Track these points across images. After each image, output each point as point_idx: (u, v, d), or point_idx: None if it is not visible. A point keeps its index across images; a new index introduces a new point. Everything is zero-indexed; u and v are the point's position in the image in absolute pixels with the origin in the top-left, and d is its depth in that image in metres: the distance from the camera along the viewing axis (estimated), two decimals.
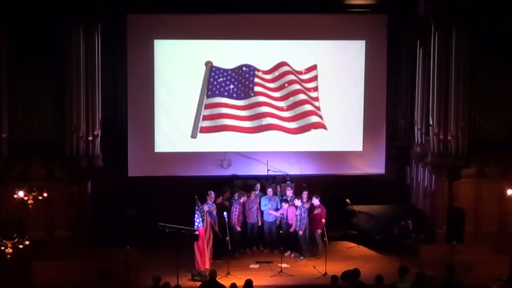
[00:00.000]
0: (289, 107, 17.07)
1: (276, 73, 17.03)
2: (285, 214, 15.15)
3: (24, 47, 14.68)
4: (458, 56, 14.99)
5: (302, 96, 17.07)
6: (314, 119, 17.07)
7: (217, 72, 16.85)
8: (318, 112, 17.05)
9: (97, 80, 15.22)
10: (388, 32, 16.99)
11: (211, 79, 16.84)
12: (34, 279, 13.03)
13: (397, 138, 17.61)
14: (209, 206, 14.60)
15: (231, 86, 16.92)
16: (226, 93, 16.92)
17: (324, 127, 17.09)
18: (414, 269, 11.63)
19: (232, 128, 16.98)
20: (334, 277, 11.50)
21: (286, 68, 17.00)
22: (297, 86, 17.04)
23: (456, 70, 15.03)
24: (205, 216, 13.95)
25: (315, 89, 17.07)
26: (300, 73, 17.01)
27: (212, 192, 14.81)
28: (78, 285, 12.91)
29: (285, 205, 15.11)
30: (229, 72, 16.89)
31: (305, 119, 17.08)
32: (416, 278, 10.95)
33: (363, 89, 17.09)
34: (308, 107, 17.05)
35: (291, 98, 17.06)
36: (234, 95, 16.95)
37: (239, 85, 16.95)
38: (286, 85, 17.02)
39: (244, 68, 16.93)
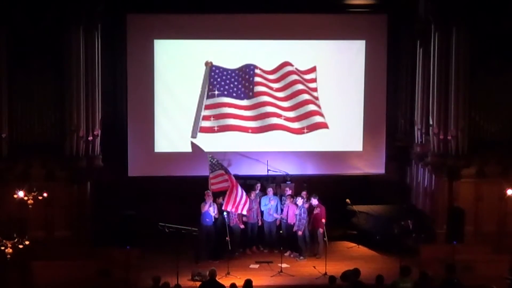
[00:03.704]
0: (293, 107, 17.07)
1: (279, 73, 17.03)
2: (285, 214, 15.13)
3: (24, 47, 14.68)
4: (458, 56, 14.99)
5: (306, 96, 17.07)
6: (317, 119, 17.07)
7: (218, 72, 16.86)
8: (320, 111, 17.07)
9: (97, 80, 15.23)
10: (388, 32, 17.00)
11: (212, 79, 16.84)
12: (34, 279, 13.02)
13: (397, 138, 17.60)
14: (207, 205, 14.60)
15: (232, 86, 16.93)
16: (226, 93, 16.93)
17: (326, 126, 17.09)
18: (414, 269, 11.63)
19: (233, 128, 17.00)
20: (331, 278, 11.50)
21: (289, 68, 17.01)
22: (300, 86, 17.06)
23: (456, 70, 15.04)
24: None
25: (315, 89, 17.09)
26: (304, 72, 17.03)
27: (210, 191, 14.80)
28: (78, 285, 12.88)
29: (288, 201, 15.08)
30: (230, 72, 16.90)
31: (309, 119, 17.09)
32: (419, 277, 10.97)
33: (363, 89, 17.10)
34: (312, 107, 17.07)
35: (294, 98, 17.08)
36: (234, 94, 16.96)
37: (240, 85, 16.95)
38: (289, 85, 17.04)
39: (245, 68, 16.94)
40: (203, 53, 16.77)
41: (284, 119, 17.05)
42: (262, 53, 16.96)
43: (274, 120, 17.07)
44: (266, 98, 17.05)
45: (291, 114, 17.08)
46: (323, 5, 16.80)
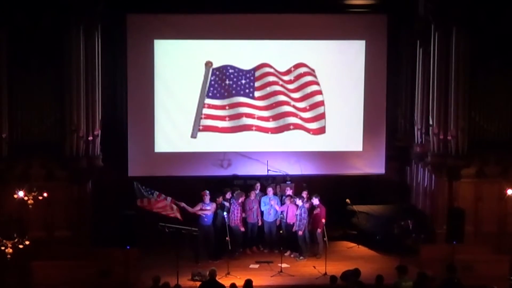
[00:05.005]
0: (307, 109, 17.14)
1: (292, 74, 17.02)
2: (284, 213, 15.14)
3: (24, 47, 14.66)
4: (458, 56, 14.98)
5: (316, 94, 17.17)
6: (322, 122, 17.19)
7: (218, 71, 16.86)
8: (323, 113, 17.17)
9: (97, 80, 15.21)
10: (388, 32, 17.00)
11: (212, 79, 16.84)
12: (34, 279, 13.03)
13: (397, 138, 17.61)
14: (205, 206, 14.60)
15: (232, 86, 16.94)
16: (226, 93, 16.94)
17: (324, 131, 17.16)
18: (414, 269, 11.63)
19: (233, 128, 16.99)
20: (332, 277, 11.51)
21: (304, 69, 16.99)
22: (315, 87, 17.11)
23: (456, 70, 15.03)
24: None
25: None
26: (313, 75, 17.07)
27: (207, 192, 14.79)
28: (78, 285, 12.91)
29: (287, 201, 15.09)
30: (230, 71, 16.90)
31: (319, 122, 17.18)
32: (417, 278, 10.95)
33: (363, 89, 17.10)
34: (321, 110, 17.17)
35: (307, 99, 17.15)
36: (235, 94, 16.95)
37: (240, 85, 16.94)
38: (302, 86, 17.07)
39: (245, 68, 16.94)
40: (203, 53, 16.77)
41: (300, 118, 17.07)
42: (262, 53, 16.94)
43: (275, 121, 17.11)
44: (267, 98, 17.06)
45: (306, 115, 17.10)
46: (323, 5, 16.80)
